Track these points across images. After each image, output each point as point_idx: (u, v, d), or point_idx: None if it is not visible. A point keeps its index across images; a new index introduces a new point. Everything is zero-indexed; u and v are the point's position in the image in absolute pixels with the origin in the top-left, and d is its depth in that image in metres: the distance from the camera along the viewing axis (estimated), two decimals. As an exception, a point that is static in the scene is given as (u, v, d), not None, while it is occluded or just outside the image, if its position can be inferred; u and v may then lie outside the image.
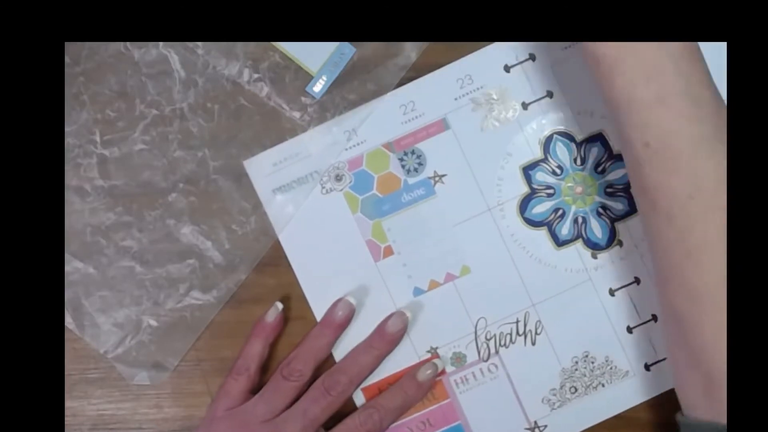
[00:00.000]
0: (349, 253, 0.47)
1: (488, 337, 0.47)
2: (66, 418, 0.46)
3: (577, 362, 0.46)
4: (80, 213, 0.47)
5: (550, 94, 0.47)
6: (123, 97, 0.47)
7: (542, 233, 0.47)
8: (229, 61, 0.47)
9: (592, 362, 0.47)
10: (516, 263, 0.47)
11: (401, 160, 0.47)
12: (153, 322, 0.47)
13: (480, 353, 0.47)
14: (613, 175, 0.47)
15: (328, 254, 0.47)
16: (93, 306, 0.46)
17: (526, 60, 0.47)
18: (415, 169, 0.47)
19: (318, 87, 0.47)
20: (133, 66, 0.47)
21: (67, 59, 0.47)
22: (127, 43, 0.47)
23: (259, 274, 0.47)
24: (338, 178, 0.47)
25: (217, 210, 0.47)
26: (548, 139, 0.47)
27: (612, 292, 0.47)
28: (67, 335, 0.46)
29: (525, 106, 0.47)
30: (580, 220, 0.47)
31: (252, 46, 0.47)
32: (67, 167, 0.47)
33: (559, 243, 0.47)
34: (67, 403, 0.47)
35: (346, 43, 0.47)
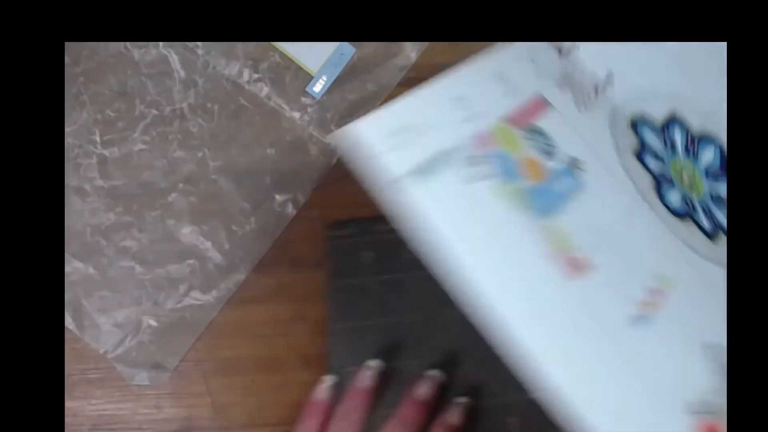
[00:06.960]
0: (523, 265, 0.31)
1: None
2: (66, 418, 0.46)
3: None
4: (80, 213, 0.47)
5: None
6: (123, 97, 0.47)
7: (691, 225, 0.37)
8: (229, 61, 0.47)
9: None
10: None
11: (529, 140, 0.34)
12: (153, 322, 0.46)
13: None
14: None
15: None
16: (93, 306, 0.46)
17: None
18: (548, 153, 0.34)
19: (318, 87, 0.47)
20: (133, 66, 0.47)
21: (67, 59, 0.47)
22: (127, 43, 0.47)
23: (259, 274, 0.47)
24: (471, 162, 0.32)
25: (217, 210, 0.47)
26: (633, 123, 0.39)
27: None
28: (67, 335, 0.46)
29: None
30: (707, 209, 0.38)
31: (252, 46, 0.47)
32: (67, 167, 0.47)
33: (709, 235, 0.37)
34: (67, 403, 0.46)
35: (346, 43, 0.47)
